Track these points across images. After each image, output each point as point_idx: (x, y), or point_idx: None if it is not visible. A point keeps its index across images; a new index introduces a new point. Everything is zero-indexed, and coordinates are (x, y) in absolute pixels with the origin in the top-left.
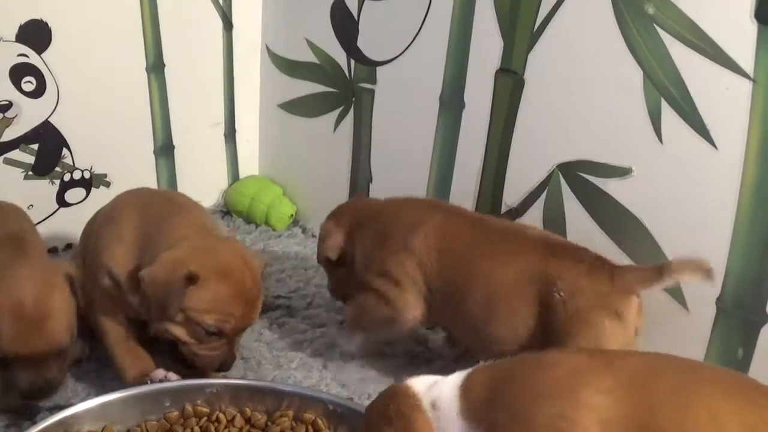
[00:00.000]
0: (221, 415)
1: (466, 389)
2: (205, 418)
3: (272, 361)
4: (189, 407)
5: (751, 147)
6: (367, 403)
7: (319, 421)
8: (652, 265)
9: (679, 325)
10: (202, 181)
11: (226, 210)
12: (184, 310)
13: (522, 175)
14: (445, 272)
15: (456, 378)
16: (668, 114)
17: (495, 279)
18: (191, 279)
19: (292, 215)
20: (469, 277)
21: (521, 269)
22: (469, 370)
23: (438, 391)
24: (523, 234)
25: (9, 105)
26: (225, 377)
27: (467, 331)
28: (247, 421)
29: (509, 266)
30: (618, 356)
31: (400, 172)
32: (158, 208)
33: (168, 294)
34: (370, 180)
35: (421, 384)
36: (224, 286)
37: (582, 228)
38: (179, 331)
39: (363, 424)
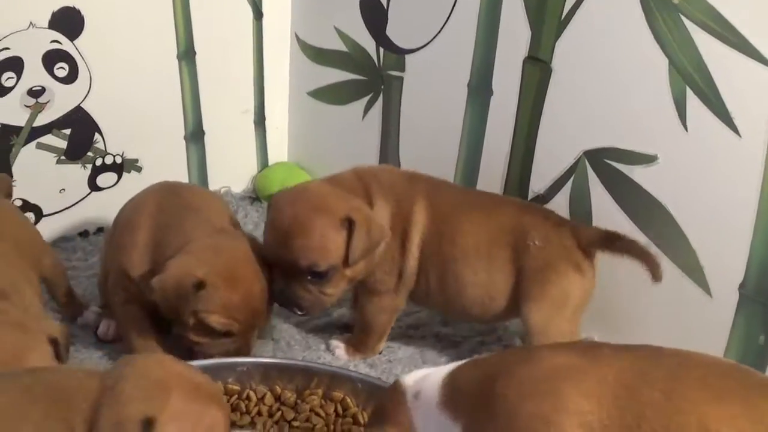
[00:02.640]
0: (252, 393)
1: (449, 382)
2: (236, 395)
3: (301, 342)
4: (220, 385)
5: None
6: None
7: (348, 399)
8: (612, 231)
9: (701, 312)
10: (231, 167)
11: (256, 196)
12: (194, 312)
13: (549, 162)
14: (435, 233)
15: (443, 370)
16: (693, 102)
17: (479, 230)
18: (199, 286)
19: None
20: (457, 232)
21: (500, 222)
22: (459, 363)
23: (423, 383)
24: (498, 196)
25: (42, 90)
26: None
27: (450, 291)
28: (277, 398)
29: (491, 220)
30: (606, 355)
31: (429, 158)
32: (172, 210)
33: (178, 301)
34: (399, 167)
35: (412, 377)
36: (231, 290)
37: (607, 214)
38: (192, 334)
39: None
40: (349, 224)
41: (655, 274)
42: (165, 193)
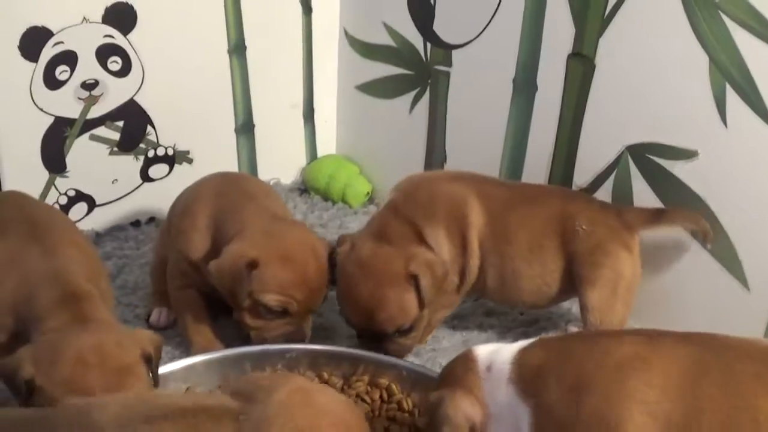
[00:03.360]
0: None
1: (520, 359)
2: None
3: (349, 330)
4: (269, 371)
5: None
6: (438, 370)
7: (393, 386)
8: (654, 207)
9: (739, 304)
10: (281, 159)
11: (304, 188)
12: (250, 294)
13: (592, 157)
14: (490, 231)
15: (515, 347)
16: (732, 98)
17: (529, 223)
18: (253, 265)
19: (368, 193)
20: (509, 228)
21: (547, 212)
22: (530, 340)
23: (496, 356)
24: (542, 186)
25: (96, 84)
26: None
27: (507, 284)
28: (325, 384)
29: (538, 211)
30: (668, 345)
31: (474, 152)
32: (231, 197)
33: (234, 283)
34: (445, 160)
35: (484, 349)
36: (286, 268)
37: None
38: (248, 318)
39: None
40: (415, 278)
41: (707, 236)
42: (223, 181)
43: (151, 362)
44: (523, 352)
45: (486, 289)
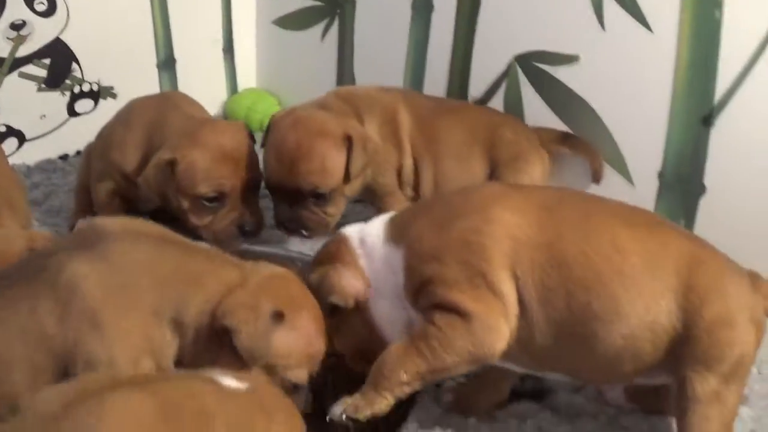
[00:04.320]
0: None
1: (391, 221)
2: None
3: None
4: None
5: (684, 29)
6: None
7: None
8: (564, 131)
9: (625, 199)
10: (202, 93)
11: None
12: (182, 192)
13: (485, 68)
14: (419, 132)
15: (385, 215)
16: (609, 2)
17: (456, 129)
18: (172, 164)
19: None
20: (436, 132)
21: (473, 121)
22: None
23: (366, 230)
24: (461, 102)
25: (23, 24)
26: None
27: (439, 186)
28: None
29: (464, 120)
30: (532, 187)
31: (380, 73)
32: (160, 110)
33: (163, 188)
34: (353, 83)
35: (352, 228)
36: (205, 155)
37: (538, 113)
38: (194, 218)
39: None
40: (349, 143)
41: (597, 175)
42: (158, 97)
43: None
44: (393, 216)
45: (423, 196)
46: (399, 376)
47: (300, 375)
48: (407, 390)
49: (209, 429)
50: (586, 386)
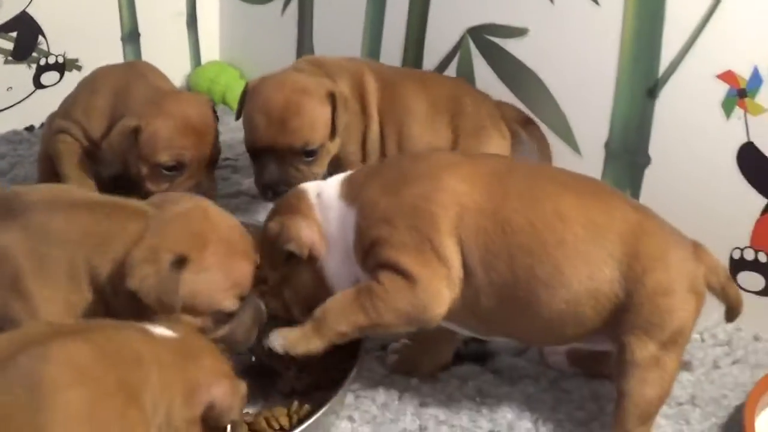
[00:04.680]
0: None
1: (348, 178)
2: None
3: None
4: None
5: (629, 3)
6: None
7: None
8: (526, 114)
9: (573, 169)
10: (166, 66)
11: None
12: (143, 159)
13: (438, 40)
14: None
15: (344, 173)
16: None
17: (421, 95)
18: (136, 131)
19: None
20: (403, 98)
21: (437, 90)
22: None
23: (324, 185)
24: (423, 71)
25: None
26: None
27: (402, 147)
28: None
29: (428, 88)
30: (482, 156)
31: (338, 45)
32: (125, 78)
33: (125, 154)
34: (313, 54)
35: (311, 183)
36: (168, 124)
37: (489, 84)
38: (151, 185)
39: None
40: (332, 99)
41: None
42: (124, 66)
43: None
44: (350, 174)
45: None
46: (339, 324)
47: (228, 304)
48: (344, 338)
49: (141, 370)
50: (528, 350)
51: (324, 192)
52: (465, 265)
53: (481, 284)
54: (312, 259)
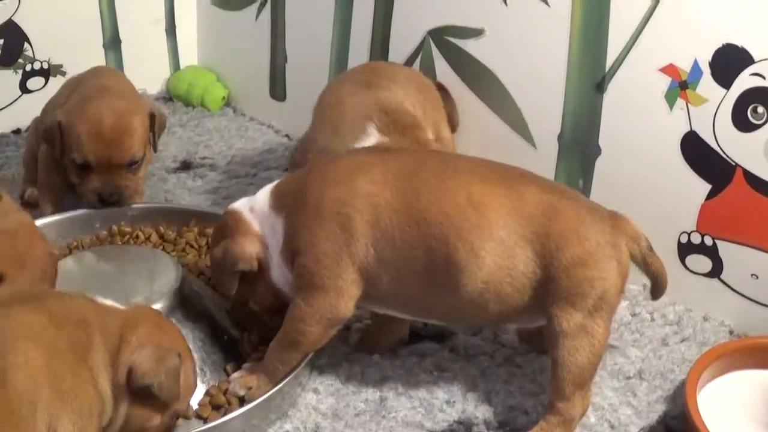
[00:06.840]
0: (140, 233)
1: (275, 190)
2: (128, 235)
3: (192, 203)
4: (115, 227)
5: (576, 3)
6: None
7: None
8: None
9: (528, 162)
10: (146, 71)
11: (169, 96)
12: (65, 152)
13: (402, 43)
14: None
15: (268, 186)
16: None
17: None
18: (60, 126)
19: (224, 97)
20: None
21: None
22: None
23: (254, 199)
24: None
25: None
26: None
27: None
28: (161, 236)
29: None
30: (395, 153)
31: (309, 49)
32: (81, 79)
33: (53, 144)
34: (286, 60)
35: (239, 202)
36: (83, 127)
37: (449, 83)
38: (72, 175)
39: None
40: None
41: (453, 123)
42: (89, 70)
43: None
44: (276, 185)
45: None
46: (284, 365)
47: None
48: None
49: (89, 335)
50: (483, 330)
51: (256, 205)
52: (385, 260)
53: (402, 276)
54: (262, 269)
